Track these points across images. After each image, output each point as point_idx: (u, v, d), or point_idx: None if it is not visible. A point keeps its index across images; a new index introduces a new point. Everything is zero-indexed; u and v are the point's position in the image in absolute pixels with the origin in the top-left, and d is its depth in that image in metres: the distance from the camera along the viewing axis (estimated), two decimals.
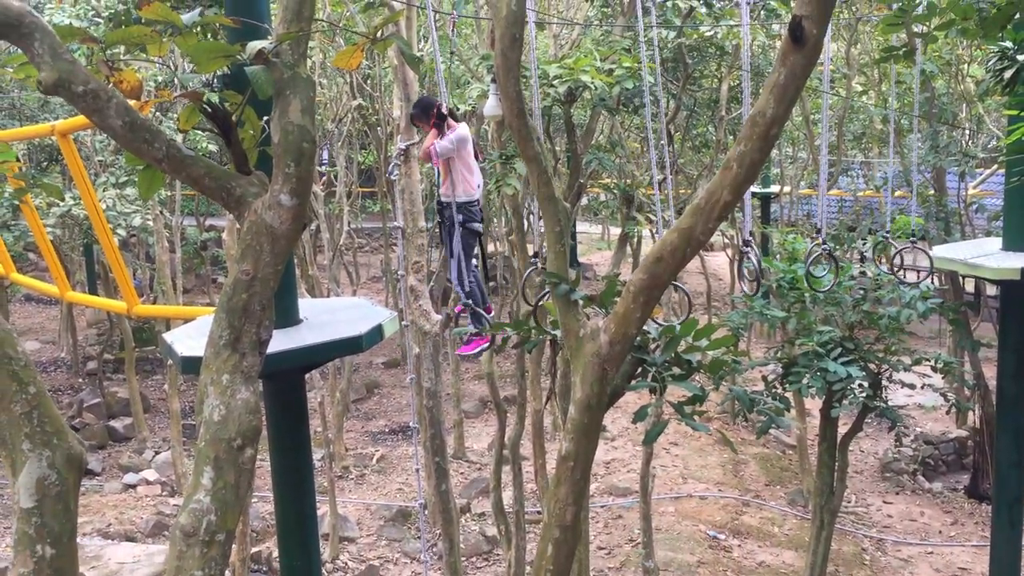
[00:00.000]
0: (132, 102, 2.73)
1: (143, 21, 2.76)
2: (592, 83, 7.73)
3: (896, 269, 8.32)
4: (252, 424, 2.65)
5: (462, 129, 6.72)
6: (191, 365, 5.07)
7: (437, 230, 6.90)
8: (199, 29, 2.80)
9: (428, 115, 6.57)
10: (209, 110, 2.72)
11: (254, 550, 12.73)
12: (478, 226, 6.90)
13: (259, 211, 2.70)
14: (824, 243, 6.63)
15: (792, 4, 11.98)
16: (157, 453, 17.16)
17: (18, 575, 2.73)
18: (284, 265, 2.80)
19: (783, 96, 3.63)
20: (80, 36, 2.62)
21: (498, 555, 13.44)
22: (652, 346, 4.73)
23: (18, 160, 3.37)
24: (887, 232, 8.12)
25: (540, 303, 6.88)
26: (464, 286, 6.76)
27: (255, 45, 2.59)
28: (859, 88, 19.49)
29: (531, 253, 7.58)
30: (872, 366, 8.65)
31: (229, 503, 2.55)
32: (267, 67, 2.64)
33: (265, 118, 3.11)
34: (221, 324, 2.71)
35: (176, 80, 10.90)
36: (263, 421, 2.83)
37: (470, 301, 6.77)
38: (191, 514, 2.49)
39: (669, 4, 9.29)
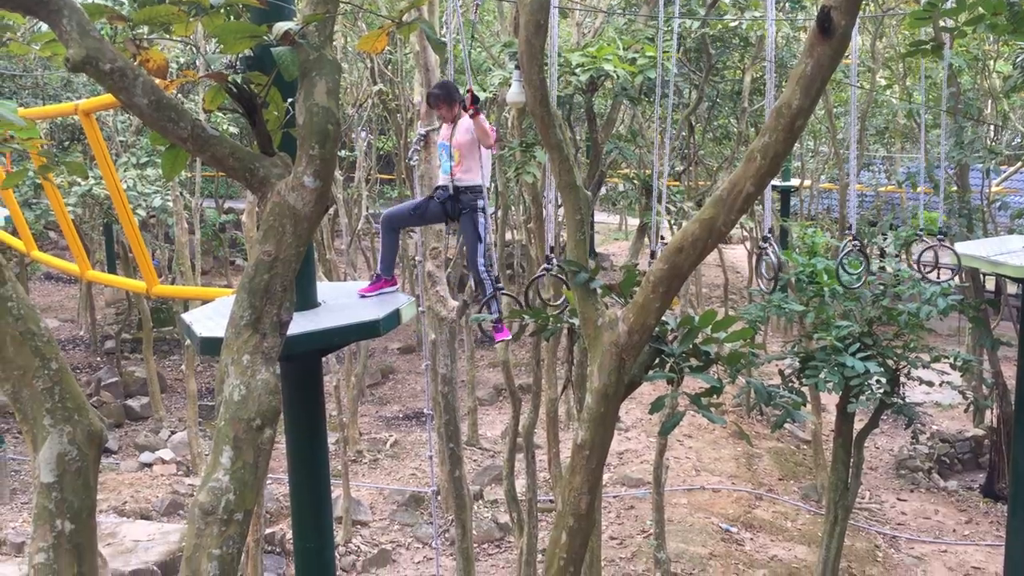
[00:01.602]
0: (158, 81, 2.73)
1: (169, 1, 2.77)
2: (615, 72, 7.69)
3: (927, 270, 8.22)
4: (271, 405, 2.66)
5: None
6: (209, 346, 5.08)
7: (420, 214, 6.70)
8: (224, 10, 2.79)
9: (451, 99, 6.51)
10: (235, 90, 2.72)
11: (268, 531, 12.82)
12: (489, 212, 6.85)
13: (282, 192, 2.70)
14: (856, 238, 6.57)
15: None
16: (173, 433, 17.28)
17: (37, 549, 2.75)
18: (306, 247, 2.80)
19: (809, 87, 3.59)
20: (108, 14, 2.63)
21: (510, 542, 13.48)
22: (670, 337, 4.72)
23: (41, 138, 3.38)
24: (921, 229, 8.03)
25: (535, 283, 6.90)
26: (491, 272, 6.71)
27: (282, 26, 2.58)
28: (883, 82, 19.32)
29: (547, 253, 7.51)
30: (890, 362, 8.60)
31: (247, 483, 2.56)
32: (293, 48, 2.63)
33: (289, 100, 3.11)
34: (242, 304, 2.72)
35: (201, 61, 10.93)
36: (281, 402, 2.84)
37: (501, 286, 6.73)
38: (210, 492, 2.50)
39: None
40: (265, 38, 2.67)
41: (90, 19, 2.51)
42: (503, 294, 6.62)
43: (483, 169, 6.52)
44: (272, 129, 2.94)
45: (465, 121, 6.43)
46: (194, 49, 5.75)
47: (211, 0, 2.66)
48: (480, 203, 6.53)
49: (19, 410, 2.80)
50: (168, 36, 2.85)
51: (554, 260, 7.10)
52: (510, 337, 6.93)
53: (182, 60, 14.89)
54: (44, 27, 2.68)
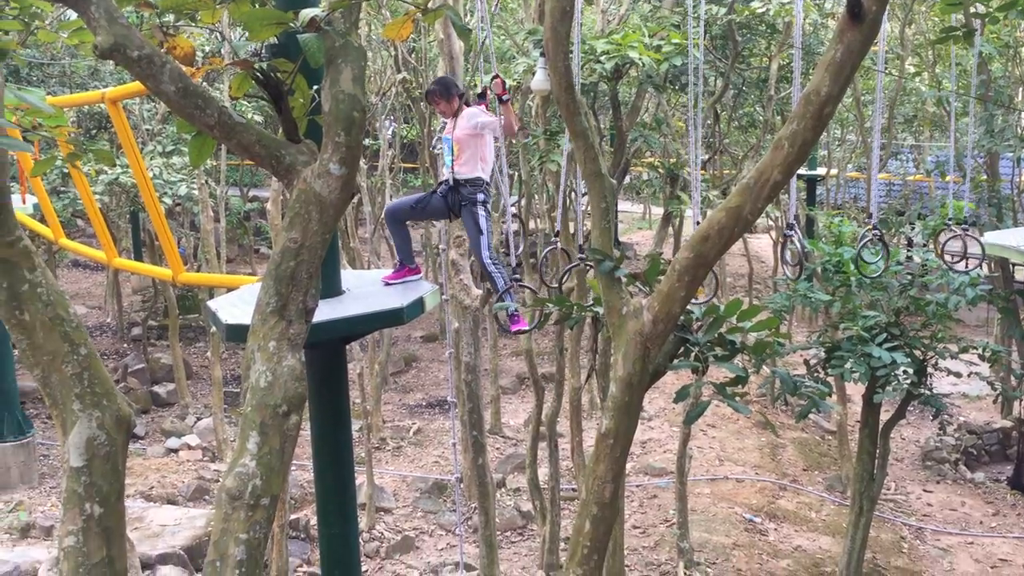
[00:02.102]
0: (184, 68, 2.74)
1: None
2: (640, 59, 7.64)
3: (954, 260, 8.12)
4: (298, 391, 2.67)
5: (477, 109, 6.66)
6: (235, 333, 5.12)
7: (422, 207, 6.71)
8: None
9: (449, 94, 6.52)
10: (261, 78, 2.73)
11: (293, 517, 12.92)
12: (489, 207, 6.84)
13: (308, 179, 2.71)
14: (876, 227, 6.51)
15: None
16: (199, 419, 17.43)
17: (67, 532, 2.79)
18: (332, 234, 2.81)
19: (839, 74, 3.55)
20: (136, 1, 2.64)
21: (532, 530, 13.50)
22: (695, 326, 4.70)
23: (69, 125, 3.41)
24: (949, 219, 7.94)
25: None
26: (499, 264, 6.70)
27: (308, 13, 2.58)
28: (911, 69, 19.09)
29: (554, 232, 7.50)
30: (917, 353, 8.53)
31: (274, 468, 2.58)
32: (319, 35, 2.63)
33: (315, 87, 3.11)
34: (268, 291, 2.73)
35: (225, 48, 10.98)
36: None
37: (518, 276, 6.72)
38: (237, 478, 2.52)
39: None
40: (291, 25, 2.67)
41: (118, 6, 2.53)
42: (520, 285, 6.60)
43: (484, 163, 6.51)
44: (298, 116, 2.95)
45: (466, 114, 6.41)
46: (219, 37, 5.78)
47: None
48: (479, 196, 6.50)
49: (49, 395, 2.84)
50: (194, 23, 2.85)
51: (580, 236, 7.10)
52: (527, 328, 6.92)
53: (207, 48, 14.95)
54: (72, 15, 2.70)
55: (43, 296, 2.80)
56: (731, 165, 17.88)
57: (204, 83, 13.75)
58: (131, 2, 2.63)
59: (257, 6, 3.14)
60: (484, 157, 6.49)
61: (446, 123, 7.72)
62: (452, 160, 6.44)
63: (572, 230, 12.51)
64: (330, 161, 2.68)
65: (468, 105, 6.58)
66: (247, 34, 2.95)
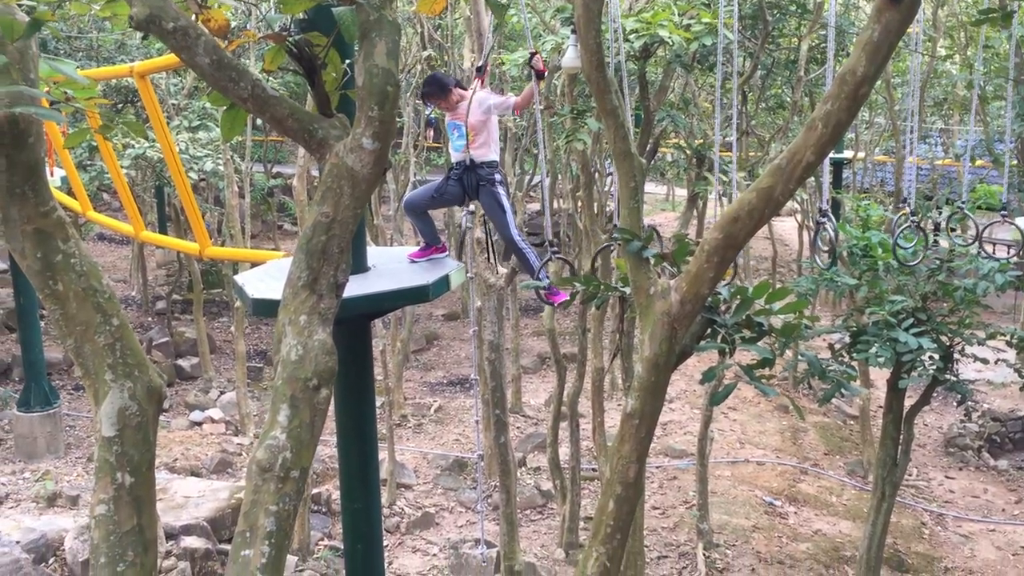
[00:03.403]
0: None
1: None
2: (670, 38, 7.57)
3: (993, 247, 8.02)
4: (328, 365, 2.68)
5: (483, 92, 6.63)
6: (261, 307, 5.15)
7: (439, 195, 6.69)
8: None
9: (444, 89, 6.50)
10: (295, 51, 2.72)
11: (315, 491, 13.04)
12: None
13: (341, 154, 2.70)
14: (912, 213, 6.43)
15: None
16: (222, 393, 17.58)
17: (98, 501, 2.81)
18: (363, 209, 2.81)
19: (875, 54, 3.50)
20: None
21: (552, 509, 13.56)
22: (722, 307, 4.67)
23: (102, 98, 3.41)
24: (976, 203, 7.84)
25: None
26: (526, 240, 6.68)
27: None
28: (943, 52, 18.82)
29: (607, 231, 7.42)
30: (944, 338, 8.44)
31: (304, 441, 2.59)
32: (354, 9, 2.62)
33: (347, 61, 3.10)
34: (300, 265, 2.74)
35: (254, 22, 10.98)
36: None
37: (556, 249, 6.69)
38: (267, 450, 2.53)
39: None
40: None
41: None
42: (559, 258, 6.56)
43: (496, 144, 6.51)
44: (330, 90, 2.94)
45: (476, 99, 6.38)
46: (247, 11, 5.77)
47: None
48: (496, 176, 6.49)
49: (81, 365, 2.86)
50: None
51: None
52: (568, 298, 6.88)
53: (233, 23, 14.94)
54: None
55: (76, 267, 2.81)
56: (757, 147, 17.73)
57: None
58: None
59: None
60: (495, 138, 6.51)
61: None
62: (465, 144, 6.42)
63: (595, 210, 12.47)
64: (363, 135, 2.67)
65: (462, 88, 6.57)
66: (280, 7, 2.94)
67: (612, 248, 7.61)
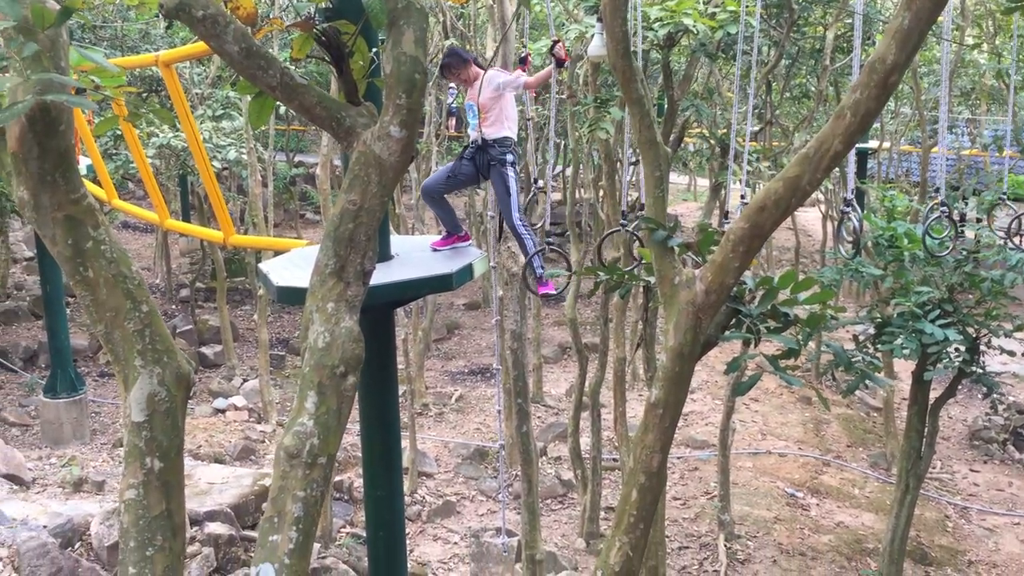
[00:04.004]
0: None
1: None
2: (694, 26, 7.52)
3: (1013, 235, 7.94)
4: (355, 352, 2.69)
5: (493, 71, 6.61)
6: (286, 294, 5.18)
7: (453, 175, 6.67)
8: None
9: (464, 63, 6.48)
10: (323, 39, 2.72)
11: (336, 479, 13.11)
12: (517, 166, 6.79)
13: (368, 142, 2.71)
14: (943, 203, 6.36)
15: None
16: (245, 380, 17.70)
17: (128, 486, 2.84)
18: (390, 197, 2.81)
19: (906, 42, 3.46)
20: None
21: (573, 499, 13.57)
22: (747, 297, 4.65)
23: (129, 86, 3.43)
24: (1003, 193, 7.74)
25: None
26: (528, 226, 6.62)
27: None
28: (970, 41, 18.58)
29: (623, 213, 7.42)
30: (970, 330, 8.37)
31: (331, 428, 2.60)
32: None
33: (374, 49, 3.10)
34: (327, 253, 2.75)
35: (276, 10, 11.02)
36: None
37: (552, 240, 6.68)
38: (295, 436, 2.55)
39: None
40: None
41: None
42: (552, 249, 6.56)
43: (510, 121, 6.46)
44: (357, 78, 2.94)
45: (486, 78, 6.36)
46: (273, 1, 5.78)
47: None
48: (509, 157, 6.45)
49: (111, 351, 2.88)
50: None
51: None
52: (554, 293, 6.88)
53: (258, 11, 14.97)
54: None
55: (107, 253, 2.83)
56: (781, 136, 17.60)
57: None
58: None
59: None
60: (509, 116, 6.45)
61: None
62: (477, 123, 6.42)
63: (617, 199, 12.42)
64: (391, 123, 2.67)
65: (480, 68, 6.55)
66: None
67: (624, 232, 7.59)
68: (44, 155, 2.67)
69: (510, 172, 6.49)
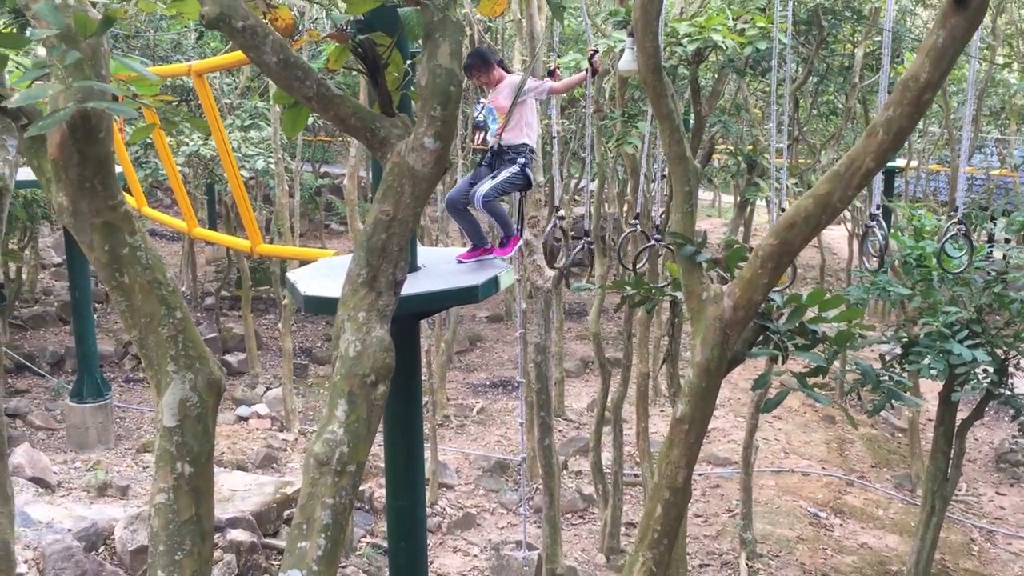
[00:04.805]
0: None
1: None
2: (723, 43, 7.52)
3: None
4: (385, 362, 2.71)
5: (518, 76, 6.53)
6: (313, 304, 5.21)
7: (474, 183, 6.51)
8: None
9: (487, 64, 6.38)
10: (360, 51, 2.75)
11: None
12: (532, 174, 6.63)
13: (402, 153, 2.73)
14: (961, 222, 6.32)
15: None
16: (268, 389, 17.79)
17: (158, 490, 2.87)
18: (423, 208, 2.83)
19: (940, 60, 3.46)
20: None
21: (594, 513, 13.52)
22: (775, 314, 4.63)
23: (163, 95, 3.48)
24: None
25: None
26: (487, 200, 6.40)
27: None
28: (1001, 61, 18.46)
29: (634, 215, 7.35)
30: (999, 351, 8.28)
31: (361, 436, 2.62)
32: (419, 9, 2.64)
33: (408, 61, 3.13)
34: (360, 262, 2.77)
35: (307, 22, 11.10)
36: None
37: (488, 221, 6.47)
38: (325, 444, 2.57)
39: None
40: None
41: None
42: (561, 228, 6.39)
43: (530, 128, 6.32)
44: (392, 90, 2.97)
45: (508, 82, 6.28)
46: (299, 11, 5.83)
47: None
48: (521, 159, 6.31)
49: (145, 356, 2.91)
50: None
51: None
52: (507, 256, 6.57)
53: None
54: None
55: (142, 260, 2.87)
56: (808, 153, 17.54)
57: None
58: None
59: None
60: (530, 123, 6.34)
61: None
62: (497, 128, 6.32)
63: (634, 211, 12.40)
64: (425, 135, 2.69)
65: (506, 71, 6.46)
66: (344, 7, 2.97)
67: (655, 248, 7.54)
68: (84, 162, 2.71)
69: (514, 168, 6.31)
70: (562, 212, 6.75)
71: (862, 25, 11.77)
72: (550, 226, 7.00)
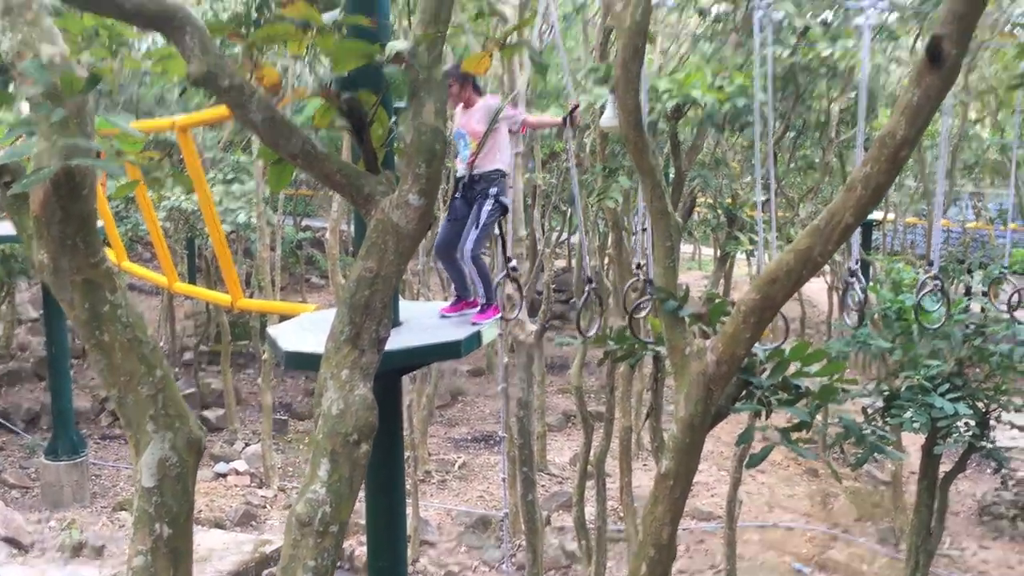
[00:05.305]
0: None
1: (266, 21, 2.82)
2: (703, 99, 7.63)
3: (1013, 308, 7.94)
4: (368, 420, 2.68)
5: (492, 99, 6.45)
6: (294, 360, 5.15)
7: (452, 219, 6.37)
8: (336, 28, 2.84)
9: (464, 76, 6.27)
10: (345, 108, 2.77)
11: None
12: (507, 201, 6.53)
13: (387, 210, 2.73)
14: (936, 276, 6.38)
15: (911, 27, 11.62)
16: (247, 445, 17.57)
17: (136, 552, 2.81)
18: (406, 265, 2.82)
19: (915, 118, 3.52)
20: (228, 31, 2.70)
21: (577, 571, 13.34)
22: (758, 369, 4.64)
23: (147, 151, 3.47)
24: (1005, 268, 7.78)
25: (637, 315, 6.66)
26: (475, 254, 6.32)
27: (395, 45, 2.63)
28: (973, 116, 18.83)
29: (635, 264, 7.27)
30: (980, 404, 8.32)
31: (343, 496, 2.58)
32: (404, 68, 2.67)
33: (392, 119, 3.15)
34: (343, 320, 2.75)
35: (292, 80, 11.19)
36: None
37: (514, 265, 6.39)
38: (307, 504, 2.53)
39: (785, 23, 9.12)
40: (376, 58, 2.72)
41: (211, 36, 2.59)
42: (513, 278, 6.31)
43: (502, 153, 6.19)
44: (376, 147, 2.98)
45: (482, 107, 6.18)
46: (287, 70, 5.88)
47: (325, 19, 2.72)
48: (493, 190, 6.21)
49: (123, 415, 2.87)
50: (280, 55, 2.91)
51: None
52: (496, 316, 6.39)
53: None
54: (159, 42, 2.76)
55: (122, 318, 2.84)
56: (786, 207, 17.73)
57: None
58: (224, 33, 2.69)
59: (340, 38, 3.19)
60: (502, 147, 6.24)
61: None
62: (469, 154, 6.20)
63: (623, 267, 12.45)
64: (409, 192, 2.70)
65: (480, 93, 6.36)
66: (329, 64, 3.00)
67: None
68: (67, 219, 2.69)
69: (487, 205, 6.22)
70: (514, 263, 6.56)
71: (837, 82, 11.98)
72: (501, 274, 6.73)
